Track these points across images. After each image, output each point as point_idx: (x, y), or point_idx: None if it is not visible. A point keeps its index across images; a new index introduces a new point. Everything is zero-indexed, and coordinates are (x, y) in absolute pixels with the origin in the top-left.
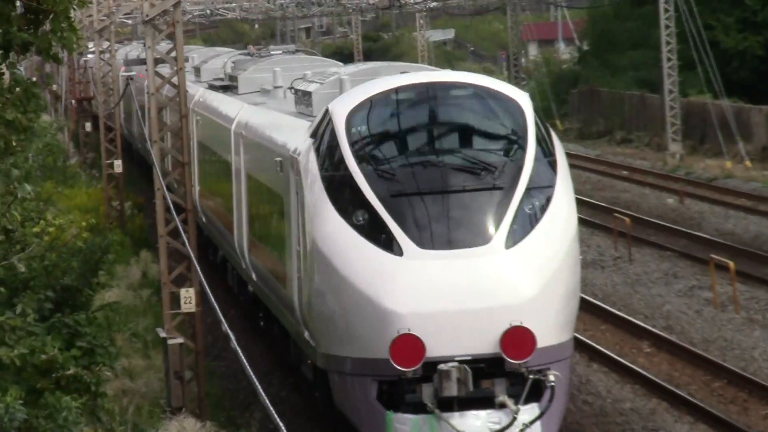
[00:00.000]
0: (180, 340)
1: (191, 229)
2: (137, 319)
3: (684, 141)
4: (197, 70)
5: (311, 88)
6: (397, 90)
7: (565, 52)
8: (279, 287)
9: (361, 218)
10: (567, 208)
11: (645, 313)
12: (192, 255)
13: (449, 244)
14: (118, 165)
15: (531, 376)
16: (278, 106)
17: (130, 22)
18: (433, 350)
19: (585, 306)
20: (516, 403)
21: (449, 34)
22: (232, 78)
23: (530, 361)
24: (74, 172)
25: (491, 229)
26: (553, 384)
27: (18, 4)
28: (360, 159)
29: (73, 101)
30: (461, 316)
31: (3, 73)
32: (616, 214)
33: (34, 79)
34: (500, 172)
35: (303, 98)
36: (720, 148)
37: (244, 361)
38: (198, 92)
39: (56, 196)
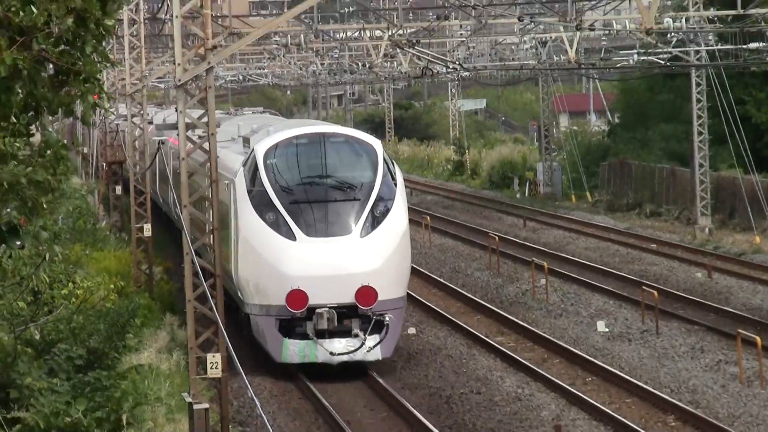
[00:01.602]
0: (205, 405)
1: (219, 294)
2: (163, 383)
3: (713, 215)
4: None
5: (250, 135)
6: (297, 137)
7: (596, 124)
8: (228, 267)
9: (271, 217)
10: (402, 213)
11: (671, 386)
12: (219, 320)
13: (325, 233)
14: (147, 229)
15: (374, 317)
16: (235, 148)
17: (162, 86)
18: (313, 300)
19: (611, 378)
20: (364, 334)
21: (481, 103)
22: (163, 121)
23: (374, 308)
24: (103, 235)
25: (352, 225)
26: (388, 322)
27: (50, 65)
28: (271, 180)
29: (104, 164)
30: (331, 278)
31: (33, 134)
32: (644, 287)
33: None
34: (359, 190)
35: (245, 142)
36: (749, 223)
37: (269, 427)
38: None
39: (85, 258)
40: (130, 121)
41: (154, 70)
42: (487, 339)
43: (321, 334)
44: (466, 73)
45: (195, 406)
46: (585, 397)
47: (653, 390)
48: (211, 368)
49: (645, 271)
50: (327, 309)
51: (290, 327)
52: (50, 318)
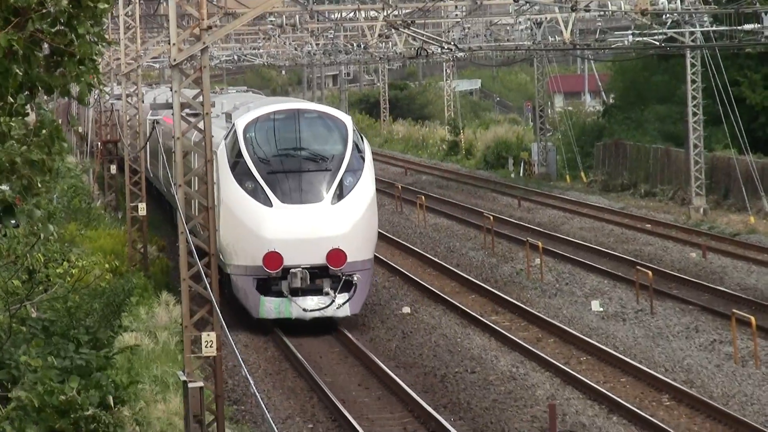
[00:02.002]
0: (200, 383)
1: (213, 273)
2: (157, 362)
3: (708, 196)
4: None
5: (231, 111)
6: (274, 113)
7: (590, 104)
8: None
9: (249, 186)
10: (369, 183)
11: (665, 366)
12: (214, 299)
13: (299, 200)
14: (142, 208)
15: (344, 277)
16: (218, 123)
17: (157, 66)
18: (288, 261)
19: (605, 357)
20: (334, 292)
21: (476, 84)
22: (155, 100)
23: (344, 268)
24: (98, 214)
25: (324, 193)
26: (356, 282)
27: (45, 45)
28: (249, 152)
29: (99, 143)
30: (305, 241)
31: (28, 114)
32: (639, 267)
33: (60, 120)
34: (330, 161)
35: (227, 118)
36: (744, 204)
37: (263, 405)
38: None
39: (80, 237)
40: (124, 101)
41: (149, 50)
42: (481, 318)
43: (295, 292)
44: (461, 54)
45: (189, 385)
46: (579, 377)
47: (648, 369)
48: (206, 347)
49: (639, 251)
50: (300, 269)
51: (267, 286)
52: (45, 296)
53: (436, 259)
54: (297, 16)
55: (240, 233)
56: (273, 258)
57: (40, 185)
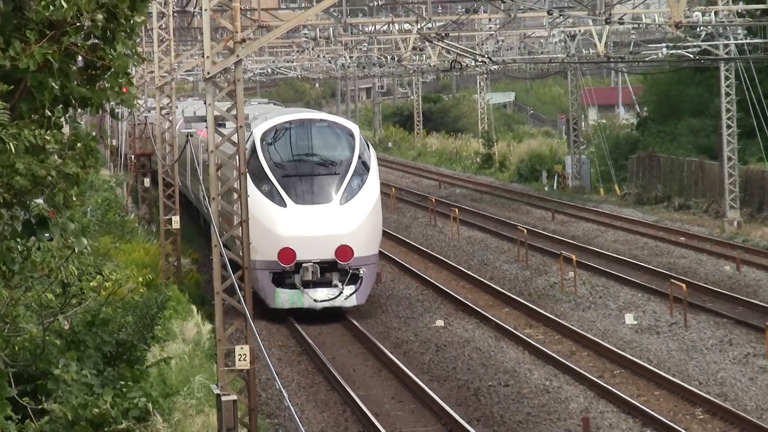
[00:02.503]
0: (233, 397)
1: (247, 287)
2: (192, 375)
3: (742, 208)
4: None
5: (251, 120)
6: (288, 122)
7: (624, 117)
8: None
9: (266, 188)
10: (374, 185)
11: (699, 379)
12: (248, 313)
13: (311, 201)
14: (176, 221)
15: (351, 271)
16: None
17: (191, 78)
18: (300, 256)
19: (639, 371)
20: (342, 284)
21: (509, 97)
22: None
23: (351, 263)
24: (132, 228)
25: (333, 194)
26: (362, 275)
27: (79, 58)
28: (266, 157)
29: (133, 156)
30: (316, 238)
31: (62, 127)
32: (673, 281)
33: (94, 133)
34: (339, 166)
35: (248, 125)
36: None
37: (297, 419)
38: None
39: (113, 251)
40: (158, 114)
41: (183, 63)
42: (515, 331)
43: (306, 285)
44: (495, 67)
45: (223, 398)
46: (613, 390)
47: (681, 383)
48: (240, 360)
49: (673, 264)
50: (312, 264)
51: (281, 279)
52: (79, 309)
53: (469, 272)
54: (331, 29)
55: (257, 231)
56: (287, 253)
57: (74, 198)
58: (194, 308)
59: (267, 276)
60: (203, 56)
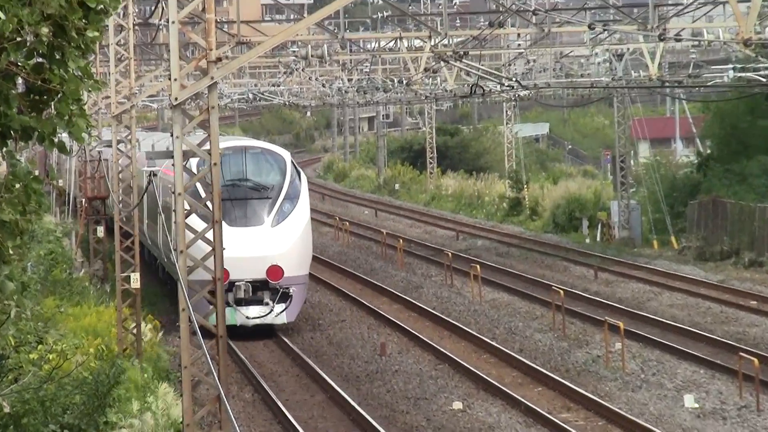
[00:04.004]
0: None
1: (222, 359)
2: None
3: None
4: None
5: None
6: (224, 149)
7: (683, 153)
8: (169, 253)
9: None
10: (305, 209)
11: None
12: (222, 392)
13: (244, 224)
14: (135, 279)
15: (281, 290)
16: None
17: (155, 106)
18: (233, 275)
19: None
20: (273, 302)
21: (543, 128)
22: (153, 147)
23: (281, 282)
24: (82, 287)
25: (265, 217)
26: (292, 294)
27: (19, 81)
28: (202, 182)
29: (84, 200)
30: (248, 259)
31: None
32: (742, 354)
33: (37, 172)
34: (271, 190)
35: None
36: None
37: None
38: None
39: (59, 315)
40: (115, 148)
41: (145, 87)
42: (549, 416)
43: (239, 302)
44: (525, 92)
45: None
46: None
47: None
48: None
49: (743, 333)
50: (244, 282)
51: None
52: (15, 387)
53: (494, 343)
54: (325, 46)
55: (194, 252)
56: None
57: (11, 252)
58: (157, 385)
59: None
60: (170, 78)
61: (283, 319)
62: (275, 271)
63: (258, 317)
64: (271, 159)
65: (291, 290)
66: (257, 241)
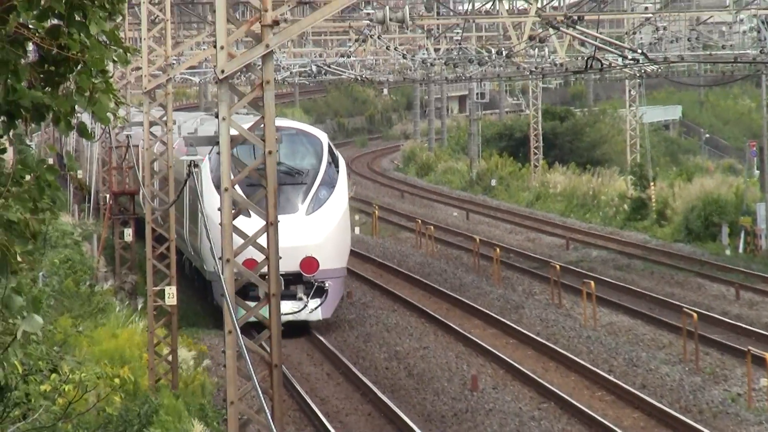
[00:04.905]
0: None
1: (277, 393)
2: None
3: None
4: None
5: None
6: None
7: None
8: (195, 242)
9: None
10: (343, 196)
11: None
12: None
13: (279, 211)
14: (171, 293)
15: (316, 284)
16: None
17: (196, 79)
18: (264, 268)
19: None
20: (307, 297)
21: (674, 112)
22: (195, 131)
23: (316, 275)
24: (105, 303)
25: (299, 204)
26: (328, 288)
27: (31, 48)
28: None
29: (108, 196)
30: (280, 250)
31: (5, 149)
32: None
33: (51, 161)
34: (306, 175)
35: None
36: None
37: None
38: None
39: (76, 337)
40: (147, 132)
41: (184, 57)
42: None
43: None
44: (653, 67)
45: None
46: None
47: None
48: None
49: None
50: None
51: (245, 291)
52: (22, 426)
53: (610, 377)
54: (407, 8)
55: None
56: (250, 265)
57: (20, 259)
58: (196, 425)
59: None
60: (215, 46)
61: (318, 316)
62: (310, 263)
63: (291, 313)
64: (306, 141)
65: (327, 284)
66: (290, 230)
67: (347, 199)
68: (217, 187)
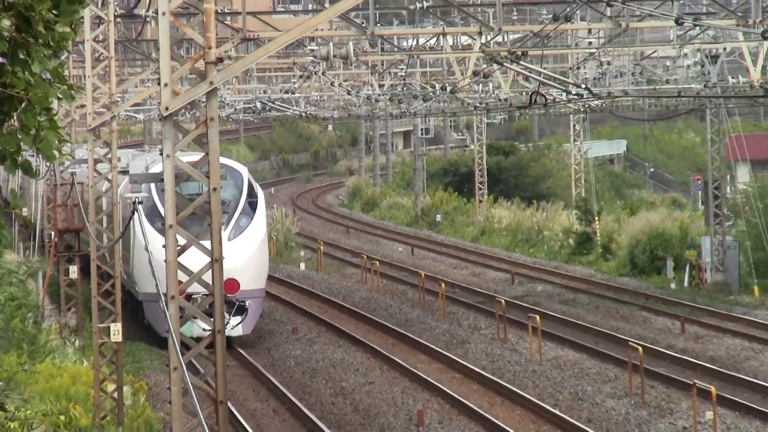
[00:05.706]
0: None
1: (223, 430)
2: None
3: None
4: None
5: (150, 164)
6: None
7: None
8: (126, 267)
9: (160, 225)
10: (261, 224)
11: None
12: None
13: (202, 237)
14: (116, 330)
15: (237, 303)
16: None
17: (140, 116)
18: (190, 288)
19: None
20: (229, 315)
21: (619, 147)
22: (127, 166)
23: (237, 295)
24: (50, 341)
25: (222, 231)
26: (248, 307)
27: None
28: (160, 196)
29: (53, 234)
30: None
31: None
32: None
33: None
34: (228, 205)
35: (145, 169)
36: None
37: None
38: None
39: (22, 375)
40: (92, 169)
41: (129, 94)
42: None
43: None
44: (597, 102)
45: None
46: None
47: None
48: None
49: None
50: (200, 295)
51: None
52: None
53: (556, 411)
54: (351, 44)
55: (156, 265)
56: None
57: None
58: None
59: (158, 307)
60: (159, 83)
61: (239, 332)
62: (231, 284)
63: None
64: (228, 174)
65: (247, 303)
66: None
67: (265, 227)
68: (149, 217)
